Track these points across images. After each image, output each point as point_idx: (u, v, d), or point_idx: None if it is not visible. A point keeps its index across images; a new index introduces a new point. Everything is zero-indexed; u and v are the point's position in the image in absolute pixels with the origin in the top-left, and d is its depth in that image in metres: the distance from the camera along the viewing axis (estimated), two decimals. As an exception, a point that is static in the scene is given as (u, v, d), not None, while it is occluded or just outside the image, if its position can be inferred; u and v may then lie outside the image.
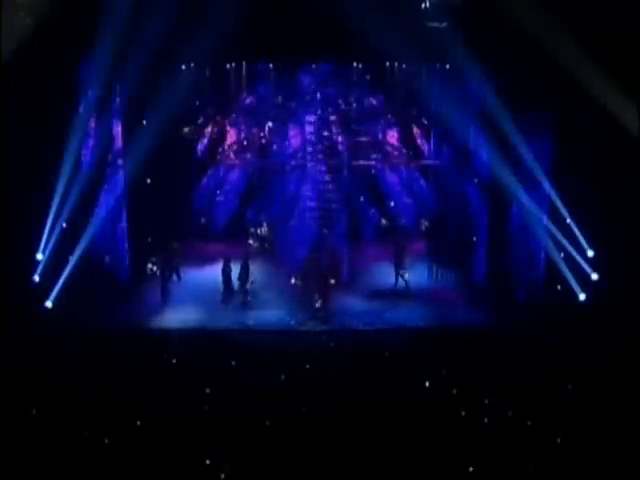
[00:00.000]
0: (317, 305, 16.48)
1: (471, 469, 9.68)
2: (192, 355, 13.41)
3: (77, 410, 11.09)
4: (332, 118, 20.42)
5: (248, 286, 17.03)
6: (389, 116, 20.85)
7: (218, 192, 21.13)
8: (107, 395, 11.53)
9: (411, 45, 15.55)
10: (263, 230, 20.54)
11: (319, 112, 20.46)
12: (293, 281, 17.48)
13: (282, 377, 12.30)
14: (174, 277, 17.73)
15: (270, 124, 20.84)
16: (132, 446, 10.20)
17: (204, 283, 17.75)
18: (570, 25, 14.65)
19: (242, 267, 17.21)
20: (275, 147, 20.86)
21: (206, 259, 19.13)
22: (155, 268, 17.76)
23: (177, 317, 16.16)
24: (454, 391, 11.87)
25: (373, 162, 20.96)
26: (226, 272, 17.07)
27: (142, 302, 17.00)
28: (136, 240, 17.73)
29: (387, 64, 18.82)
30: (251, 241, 20.45)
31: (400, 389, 11.82)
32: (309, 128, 20.66)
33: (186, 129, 20.14)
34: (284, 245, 19.32)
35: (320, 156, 20.61)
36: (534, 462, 9.85)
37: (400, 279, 17.84)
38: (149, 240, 18.14)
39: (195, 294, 17.30)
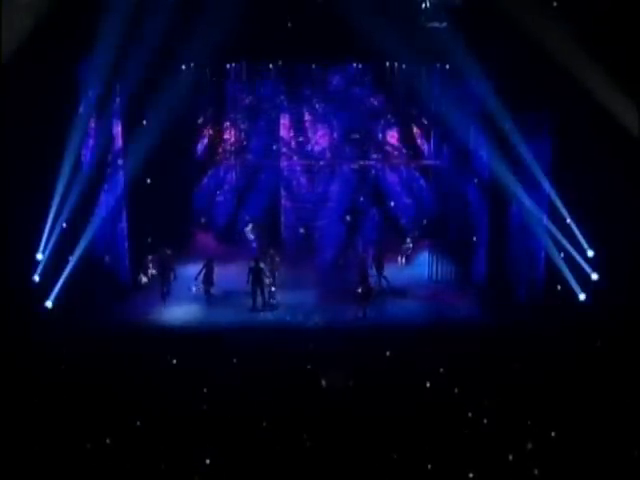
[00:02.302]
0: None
1: (471, 469, 9.68)
2: (192, 355, 13.40)
3: (77, 410, 11.09)
4: (332, 118, 20.51)
5: (270, 287, 16.92)
6: (389, 116, 20.87)
7: (218, 192, 21.18)
8: (107, 395, 11.53)
9: (411, 45, 15.56)
10: (248, 230, 20.49)
11: (319, 112, 20.54)
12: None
13: (282, 377, 12.29)
14: (171, 279, 17.57)
15: (270, 124, 20.86)
16: (132, 446, 10.21)
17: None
18: (570, 25, 14.64)
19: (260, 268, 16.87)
20: (274, 147, 20.90)
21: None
22: (151, 266, 17.79)
23: (177, 316, 16.20)
24: (454, 390, 11.87)
25: (373, 162, 21.00)
26: (255, 273, 16.70)
27: (142, 302, 17.00)
28: (136, 240, 17.73)
29: (387, 64, 18.83)
30: (251, 236, 20.47)
31: (400, 388, 11.81)
32: (308, 127, 20.77)
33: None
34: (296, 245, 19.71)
35: (323, 155, 20.76)
36: (534, 461, 9.86)
37: (383, 280, 17.93)
38: (149, 240, 18.13)
39: (195, 293, 17.32)
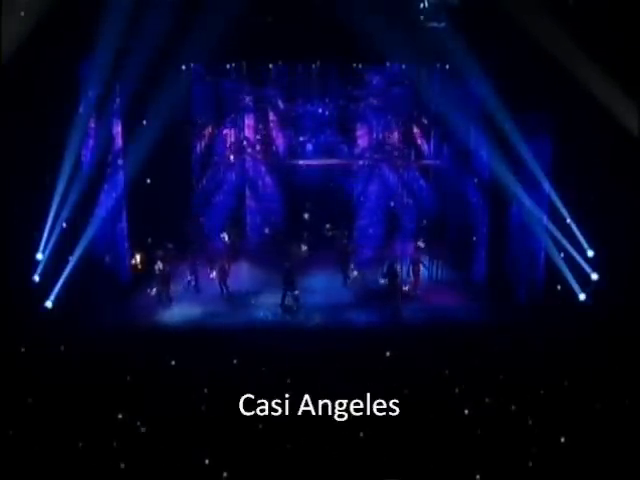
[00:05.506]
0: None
1: (471, 468, 9.68)
2: (192, 355, 13.41)
3: (77, 410, 11.09)
4: (332, 117, 20.53)
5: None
6: (389, 116, 20.87)
7: (218, 192, 21.19)
8: (107, 395, 11.53)
9: (411, 45, 15.55)
10: (224, 236, 20.29)
11: (319, 111, 20.57)
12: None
13: (282, 377, 12.30)
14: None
15: (269, 123, 20.90)
16: (132, 446, 10.22)
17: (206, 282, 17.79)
18: (570, 25, 14.65)
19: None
20: (274, 147, 20.93)
21: (208, 259, 19.12)
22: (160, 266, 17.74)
23: (177, 316, 16.21)
24: (454, 390, 11.88)
25: (373, 162, 21.00)
26: (288, 273, 16.70)
27: (142, 302, 17.00)
28: (136, 240, 17.73)
29: (387, 64, 18.83)
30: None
31: (400, 388, 11.82)
32: (308, 126, 20.81)
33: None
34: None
35: (323, 155, 20.80)
36: (534, 461, 9.87)
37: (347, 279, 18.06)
38: (149, 240, 18.14)
39: (196, 293, 17.45)
